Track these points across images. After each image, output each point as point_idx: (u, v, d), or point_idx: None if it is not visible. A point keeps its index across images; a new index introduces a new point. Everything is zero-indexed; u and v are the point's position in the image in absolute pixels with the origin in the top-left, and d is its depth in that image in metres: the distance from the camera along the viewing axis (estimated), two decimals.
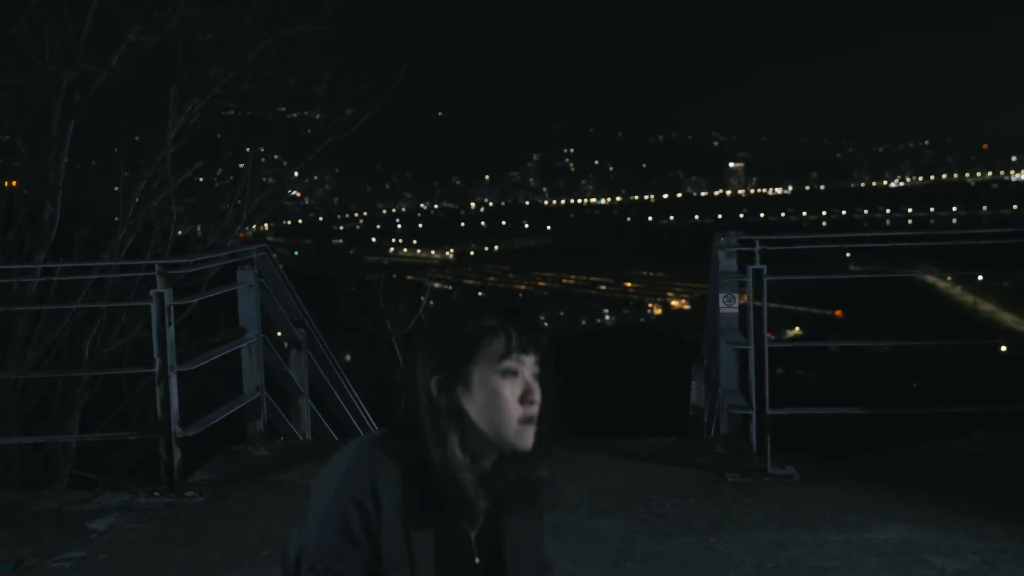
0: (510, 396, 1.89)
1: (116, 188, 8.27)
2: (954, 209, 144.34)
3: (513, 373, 1.90)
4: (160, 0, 7.63)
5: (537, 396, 1.91)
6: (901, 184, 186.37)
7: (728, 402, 6.05)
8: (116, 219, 8.39)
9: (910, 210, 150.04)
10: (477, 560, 1.96)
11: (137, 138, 8.73)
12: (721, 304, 6.14)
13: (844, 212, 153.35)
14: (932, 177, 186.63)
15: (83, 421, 8.18)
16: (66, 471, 7.79)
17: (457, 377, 1.90)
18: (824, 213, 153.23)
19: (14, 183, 8.46)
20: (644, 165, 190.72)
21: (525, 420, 1.89)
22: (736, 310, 6.15)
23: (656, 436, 6.88)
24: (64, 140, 7.83)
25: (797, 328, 66.65)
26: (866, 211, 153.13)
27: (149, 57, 8.04)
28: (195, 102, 8.34)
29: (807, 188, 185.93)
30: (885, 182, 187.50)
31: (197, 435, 5.64)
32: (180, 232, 9.15)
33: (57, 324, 7.78)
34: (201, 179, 9.93)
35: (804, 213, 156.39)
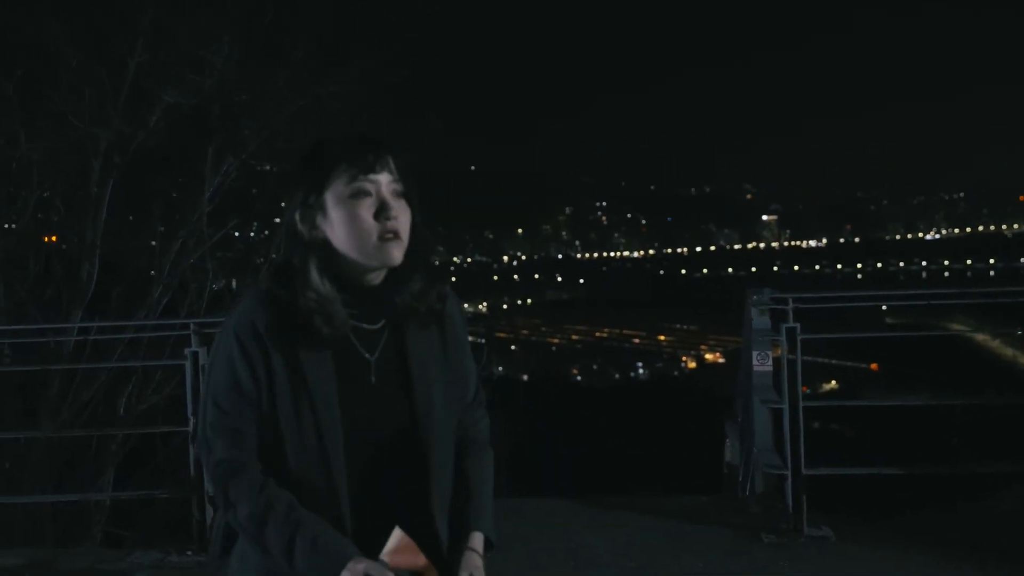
0: (364, 215, 1.93)
1: (153, 243, 8.37)
2: (991, 261, 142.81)
3: (366, 193, 1.94)
4: (196, 63, 7.77)
5: (393, 211, 1.95)
6: (936, 236, 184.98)
7: (763, 461, 5.98)
8: (152, 273, 8.48)
9: (946, 262, 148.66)
10: (373, 379, 1.99)
11: (174, 195, 8.85)
12: (755, 362, 6.09)
13: (879, 264, 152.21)
14: (968, 229, 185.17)
15: (116, 478, 8.21)
16: (99, 528, 7.80)
17: (315, 206, 1.95)
18: (859, 265, 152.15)
19: (54, 238, 8.58)
20: (676, 218, 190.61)
21: (384, 236, 1.94)
22: (770, 368, 6.09)
23: (689, 494, 6.81)
24: (102, 199, 7.96)
25: (833, 382, 65.85)
26: (901, 263, 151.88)
27: (185, 118, 8.18)
28: (230, 161, 8.46)
29: (841, 240, 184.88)
30: (920, 234, 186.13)
31: None
32: (215, 287, 9.22)
33: (92, 382, 7.85)
34: (237, 233, 10.03)
35: (839, 266, 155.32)
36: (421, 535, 1.96)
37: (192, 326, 5.56)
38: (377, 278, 2.00)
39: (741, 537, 5.45)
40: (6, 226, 8.13)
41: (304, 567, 1.86)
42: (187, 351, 5.43)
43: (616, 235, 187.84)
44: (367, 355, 2.00)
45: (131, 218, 9.95)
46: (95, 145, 7.76)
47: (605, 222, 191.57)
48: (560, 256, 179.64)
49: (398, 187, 1.98)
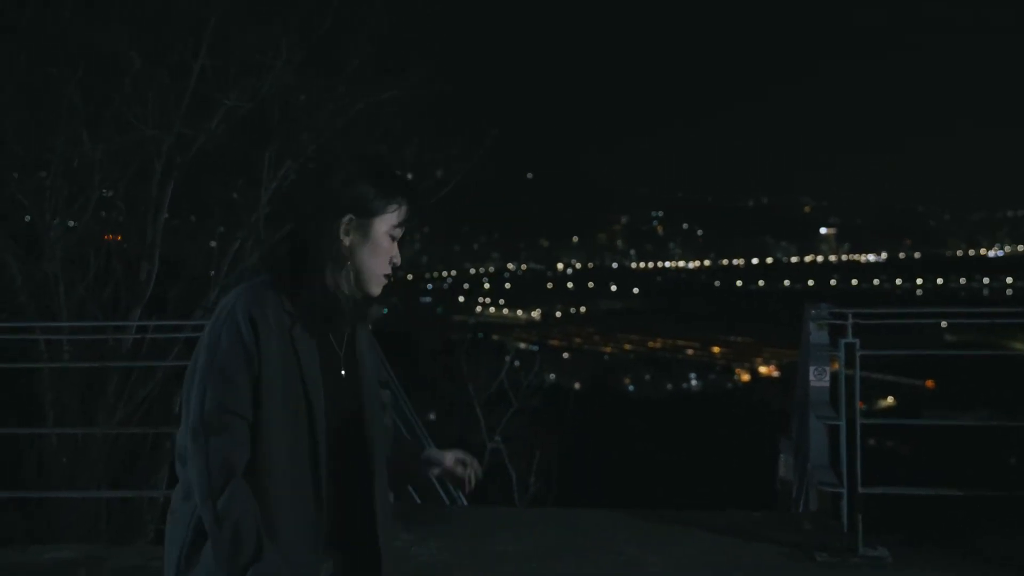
0: (384, 255, 2.33)
1: (212, 244, 8.45)
2: None
3: (395, 238, 2.35)
4: (255, 68, 7.84)
5: (398, 259, 2.37)
6: (999, 253, 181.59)
7: (817, 478, 5.87)
8: (211, 274, 8.56)
9: (1009, 280, 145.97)
10: (343, 372, 2.33)
11: (234, 196, 8.93)
12: (811, 377, 5.99)
13: (940, 281, 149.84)
14: None
15: (171, 476, 8.30)
16: (152, 525, 7.88)
17: (361, 226, 2.29)
18: (919, 281, 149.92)
19: (119, 237, 8.70)
20: (733, 229, 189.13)
21: (388, 276, 2.36)
22: (827, 383, 5.99)
23: (742, 509, 6.71)
24: (163, 200, 8.05)
25: (890, 398, 64.83)
26: (963, 280, 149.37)
27: (245, 122, 8.26)
28: (288, 164, 8.52)
29: (901, 256, 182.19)
30: (982, 251, 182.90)
31: None
32: None
33: (148, 380, 7.94)
34: None
35: (898, 281, 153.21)
36: (363, 511, 2.32)
37: None
38: (356, 293, 2.34)
39: (794, 555, 5.35)
40: (70, 224, 8.25)
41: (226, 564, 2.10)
42: None
43: (671, 245, 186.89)
44: (339, 350, 2.34)
45: (192, 219, 10.07)
46: (157, 147, 7.86)
47: (661, 232, 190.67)
48: (615, 265, 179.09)
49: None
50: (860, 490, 5.35)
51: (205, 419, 2.12)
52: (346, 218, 2.27)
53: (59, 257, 7.72)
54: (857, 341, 5.40)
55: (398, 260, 2.36)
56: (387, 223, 2.31)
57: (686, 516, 6.17)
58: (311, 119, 8.46)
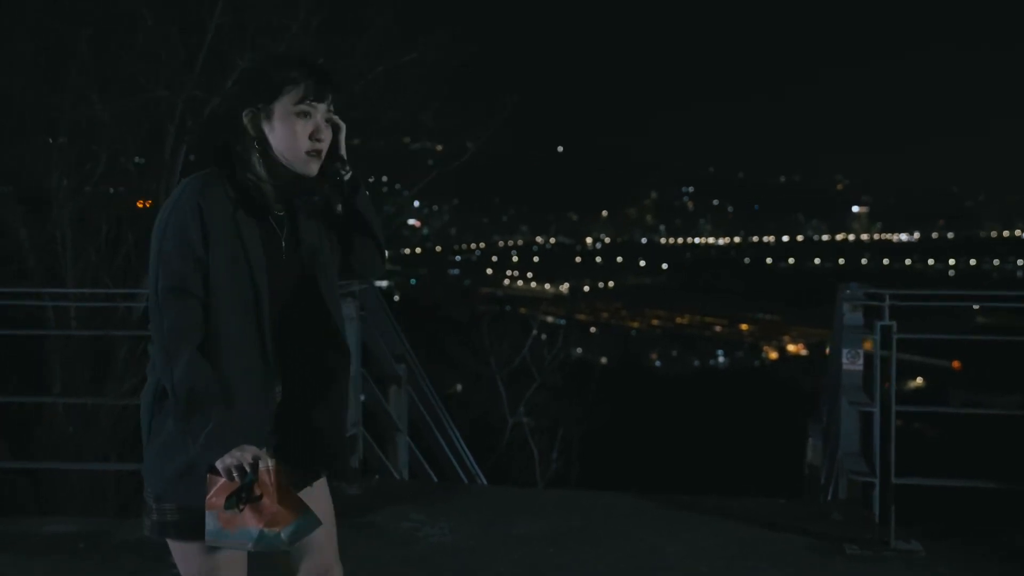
0: (301, 133, 2.38)
1: None
2: None
3: (306, 115, 2.39)
4: (273, 29, 7.60)
5: (323, 135, 2.42)
6: None
7: (848, 466, 5.62)
8: None
9: None
10: (283, 246, 2.46)
11: None
12: (844, 360, 5.73)
13: (973, 262, 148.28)
14: None
15: None
16: None
17: (264, 112, 2.39)
18: (952, 262, 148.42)
19: (149, 203, 8.51)
20: (764, 206, 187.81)
21: (312, 152, 2.41)
22: (860, 367, 5.72)
23: (766, 496, 6.48)
24: (175, 164, 7.84)
25: (919, 379, 64.19)
26: (996, 261, 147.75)
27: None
28: None
29: (934, 236, 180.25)
30: (1017, 232, 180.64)
31: None
32: None
33: None
34: None
35: (930, 261, 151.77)
36: (314, 389, 2.50)
37: None
38: (288, 177, 2.44)
39: (822, 547, 5.11)
40: (83, 188, 8.07)
41: (203, 441, 2.27)
42: None
43: (702, 221, 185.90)
44: (279, 232, 2.47)
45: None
46: (170, 109, 7.64)
47: (691, 208, 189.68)
48: (644, 240, 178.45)
49: (331, 116, 2.45)
50: (893, 480, 5.09)
51: (160, 297, 2.31)
52: (246, 112, 2.39)
53: (67, 220, 7.54)
54: (894, 324, 5.12)
55: (321, 135, 2.41)
56: (288, 103, 2.38)
57: (708, 503, 5.94)
58: None
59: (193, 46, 7.61)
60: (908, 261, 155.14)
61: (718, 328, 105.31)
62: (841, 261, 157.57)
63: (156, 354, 2.33)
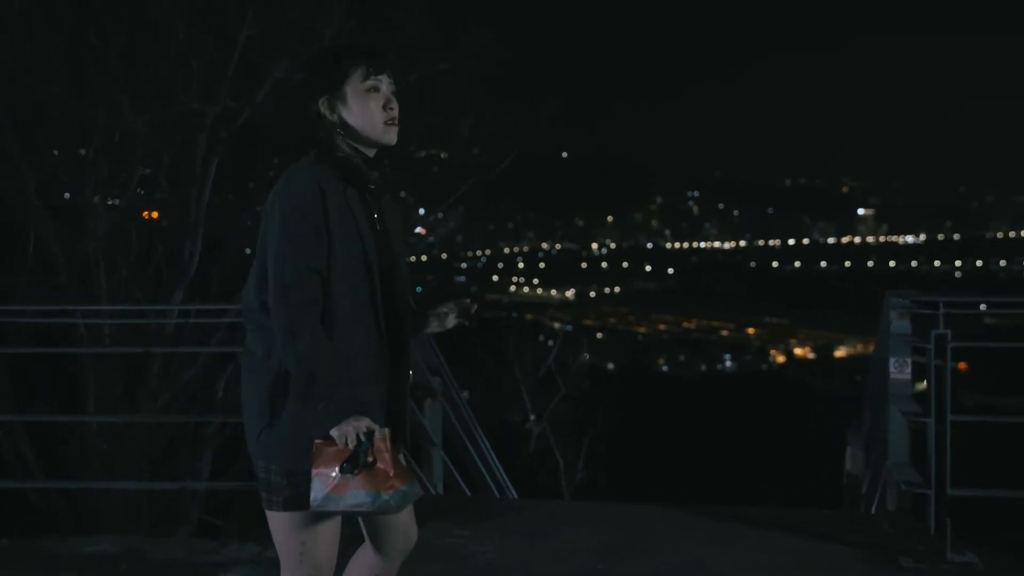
0: (375, 106, 2.62)
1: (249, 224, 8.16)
2: None
3: (375, 89, 2.63)
4: (306, 36, 7.51)
5: (394, 104, 2.65)
6: None
7: (899, 478, 5.51)
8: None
9: None
10: (377, 222, 2.65)
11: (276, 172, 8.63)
12: (892, 369, 5.62)
13: (979, 263, 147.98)
14: None
15: (214, 464, 8.04)
16: (194, 513, 7.63)
17: (337, 98, 2.62)
18: (958, 264, 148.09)
19: (154, 214, 8.42)
20: (770, 209, 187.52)
21: (389, 121, 2.64)
22: (909, 375, 5.63)
23: (802, 504, 6.38)
24: (207, 176, 7.76)
25: (924, 382, 63.79)
26: (1003, 262, 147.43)
27: (293, 93, 7.92)
28: None
29: (940, 237, 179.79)
30: None
31: None
32: None
33: (191, 364, 7.67)
34: None
35: (936, 263, 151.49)
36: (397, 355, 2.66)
37: None
38: (372, 153, 2.68)
39: (875, 559, 5.01)
40: (109, 202, 7.98)
41: (323, 412, 2.37)
42: None
43: (707, 225, 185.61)
44: (374, 208, 2.66)
45: (231, 196, 9.75)
46: (201, 120, 7.56)
47: (696, 212, 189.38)
48: (650, 245, 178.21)
49: (394, 87, 2.68)
50: (949, 491, 4.99)
51: (286, 275, 2.44)
52: (321, 101, 2.61)
53: (100, 236, 7.45)
54: (949, 332, 5.03)
55: (392, 104, 2.64)
56: (357, 83, 2.61)
57: (751, 513, 5.84)
58: None
59: (224, 56, 7.51)
60: (914, 263, 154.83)
61: (725, 332, 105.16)
62: (847, 264, 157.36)
63: (278, 330, 2.45)
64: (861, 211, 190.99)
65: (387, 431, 2.42)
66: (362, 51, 2.66)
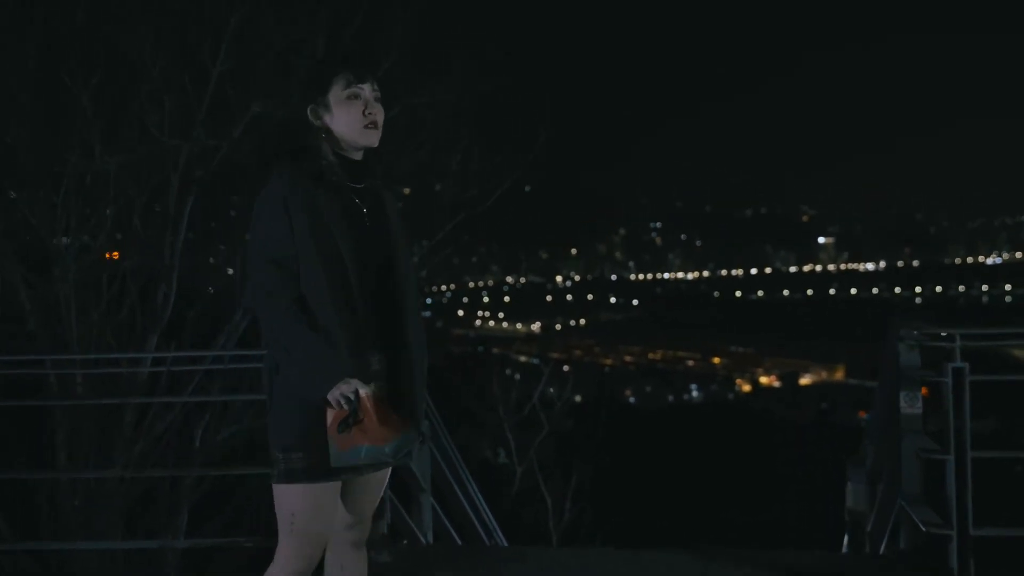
0: (355, 111, 2.91)
1: (231, 272, 7.86)
2: None
3: (356, 96, 2.92)
4: (285, 70, 7.28)
5: (374, 109, 2.95)
6: (998, 260, 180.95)
7: (917, 517, 5.31)
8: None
9: (1008, 287, 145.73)
10: (366, 217, 2.95)
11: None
12: (903, 403, 5.43)
13: (939, 289, 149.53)
14: None
15: (191, 517, 7.67)
16: (173, 571, 7.26)
17: (322, 105, 2.92)
18: (918, 290, 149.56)
19: (115, 254, 8.10)
20: (732, 239, 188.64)
21: (369, 125, 2.93)
22: (920, 410, 5.43)
23: (788, 543, 6.16)
24: (181, 216, 7.47)
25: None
26: (961, 287, 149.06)
27: (270, 130, 7.66)
28: None
29: (899, 264, 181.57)
30: (980, 258, 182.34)
31: None
32: None
33: (167, 413, 7.34)
34: None
35: (897, 290, 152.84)
36: (396, 334, 2.93)
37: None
38: (359, 155, 2.98)
39: None
40: (84, 239, 7.64)
41: (314, 380, 2.72)
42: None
43: (671, 256, 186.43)
44: (361, 206, 2.96)
45: (210, 238, 9.45)
46: (175, 158, 7.28)
47: (660, 243, 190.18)
48: (614, 277, 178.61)
49: (377, 94, 2.97)
50: (972, 532, 4.80)
51: (249, 268, 2.88)
52: (309, 109, 2.91)
53: (71, 280, 7.13)
54: (967, 365, 4.85)
55: (372, 109, 2.93)
56: (338, 91, 2.90)
57: (762, 558, 5.62)
58: None
59: (198, 92, 7.24)
60: (875, 290, 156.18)
61: (691, 362, 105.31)
62: (809, 292, 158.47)
63: (261, 321, 2.80)
64: (821, 239, 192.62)
65: (370, 389, 2.73)
66: (343, 61, 3.00)
